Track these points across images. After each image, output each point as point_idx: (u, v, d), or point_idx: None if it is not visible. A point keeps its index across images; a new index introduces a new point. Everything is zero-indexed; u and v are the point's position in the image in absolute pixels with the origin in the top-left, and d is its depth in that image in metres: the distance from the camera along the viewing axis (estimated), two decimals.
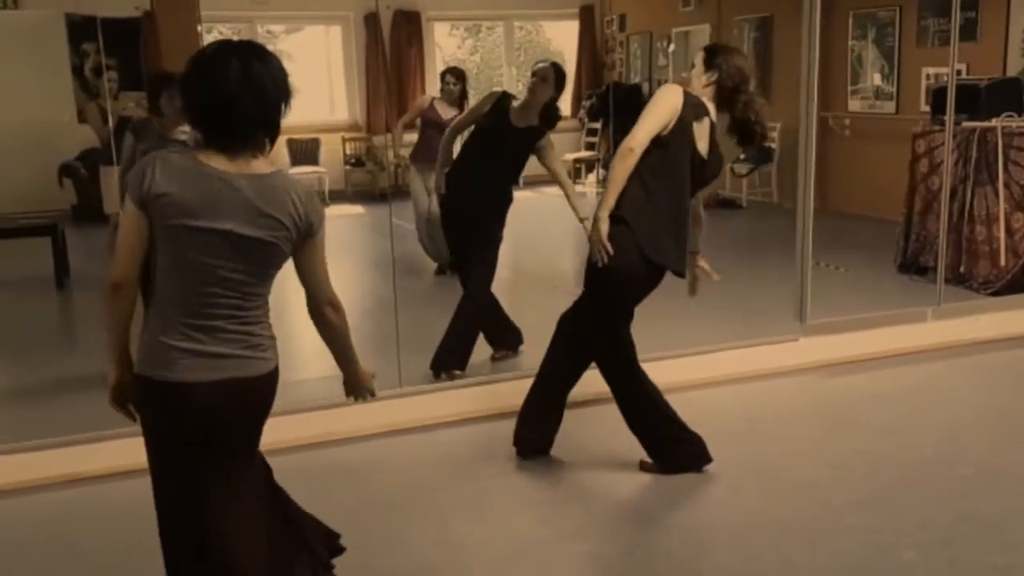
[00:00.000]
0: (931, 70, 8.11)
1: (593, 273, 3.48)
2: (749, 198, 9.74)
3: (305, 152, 9.90)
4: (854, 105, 9.08)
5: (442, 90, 6.66)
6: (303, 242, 2.21)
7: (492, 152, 4.68)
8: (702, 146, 3.49)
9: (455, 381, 4.57)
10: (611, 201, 3.38)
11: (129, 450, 3.75)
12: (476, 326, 4.83)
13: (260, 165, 2.15)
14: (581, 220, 4.48)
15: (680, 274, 3.60)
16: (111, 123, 5.50)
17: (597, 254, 3.38)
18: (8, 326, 6.07)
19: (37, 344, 5.52)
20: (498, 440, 4.01)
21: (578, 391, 3.82)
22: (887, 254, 6.79)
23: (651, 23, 11.54)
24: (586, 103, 11.76)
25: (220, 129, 2.12)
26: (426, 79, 10.03)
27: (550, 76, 4.63)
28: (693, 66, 3.59)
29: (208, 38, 9.70)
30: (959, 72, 5.85)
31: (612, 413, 3.70)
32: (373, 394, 2.51)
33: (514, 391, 4.38)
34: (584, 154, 11.31)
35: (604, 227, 3.37)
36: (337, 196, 9.88)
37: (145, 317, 2.19)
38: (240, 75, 2.09)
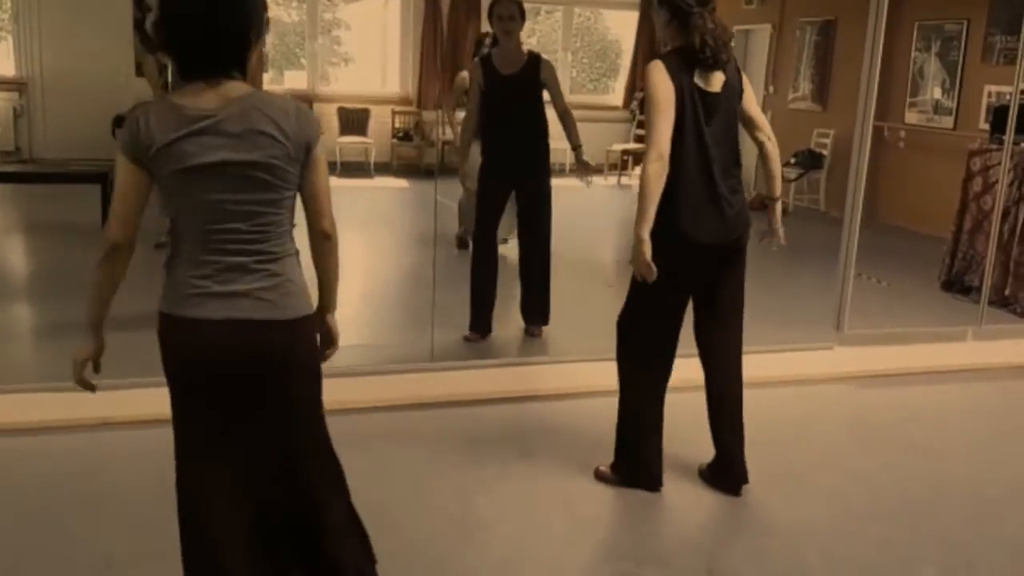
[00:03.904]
0: (994, 88, 7.96)
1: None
2: (796, 203, 9.64)
3: (354, 122, 9.95)
4: (911, 117, 8.95)
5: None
6: (303, 159, 2.14)
7: (511, 108, 4.77)
8: (712, 87, 3.22)
9: (487, 360, 4.60)
10: (650, 217, 3.09)
11: (154, 399, 3.85)
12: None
13: (240, 88, 2.11)
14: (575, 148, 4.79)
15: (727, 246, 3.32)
16: (169, 78, 5.57)
17: (639, 277, 3.14)
18: (51, 270, 6.20)
19: (80, 289, 5.62)
20: (525, 421, 4.04)
21: (606, 382, 3.80)
22: (931, 270, 6.70)
23: None
24: (639, 95, 11.69)
25: (196, 50, 2.07)
26: None
27: (517, 13, 4.72)
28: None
29: (269, 2, 9.77)
30: (1023, 92, 5.73)
31: None
32: (331, 349, 2.41)
33: (546, 375, 4.43)
34: (632, 146, 11.25)
35: (647, 249, 3.09)
36: (382, 169, 9.94)
37: (169, 259, 2.17)
38: None
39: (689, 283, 3.27)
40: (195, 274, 2.11)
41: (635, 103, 11.73)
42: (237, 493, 2.23)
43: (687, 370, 3.51)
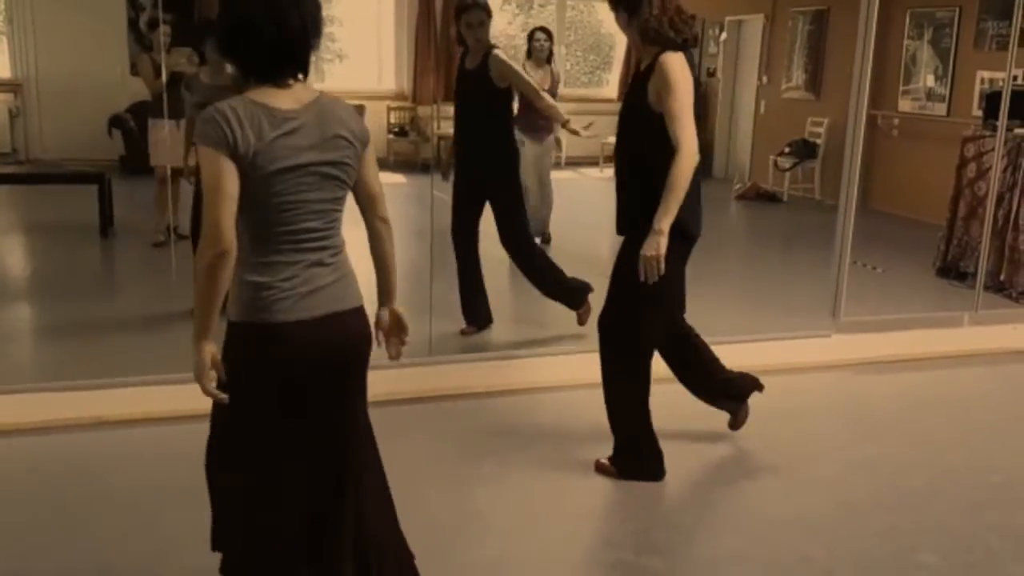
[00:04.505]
0: (986, 74, 7.97)
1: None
2: (791, 192, 9.65)
3: None
4: (904, 105, 8.96)
5: (530, 50, 6.66)
6: (361, 156, 2.21)
7: (466, 106, 4.78)
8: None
9: (484, 353, 4.61)
10: (674, 212, 3.08)
11: (147, 398, 3.86)
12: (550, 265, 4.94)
13: (308, 91, 2.14)
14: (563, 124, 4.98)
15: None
16: (163, 77, 5.58)
17: (650, 273, 3.10)
18: (52, 270, 6.21)
19: (78, 289, 5.63)
20: (523, 414, 4.06)
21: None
22: (927, 257, 6.72)
23: (704, 10, 11.40)
24: None
25: (268, 55, 2.08)
26: None
27: (486, 18, 4.62)
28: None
29: None
30: (1015, 78, 5.74)
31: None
32: (405, 335, 2.43)
33: (544, 367, 4.44)
34: None
35: (665, 242, 3.07)
36: (378, 164, 9.91)
37: (243, 265, 2.11)
38: None
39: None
40: (278, 277, 2.11)
41: None
42: (301, 497, 2.24)
43: None
